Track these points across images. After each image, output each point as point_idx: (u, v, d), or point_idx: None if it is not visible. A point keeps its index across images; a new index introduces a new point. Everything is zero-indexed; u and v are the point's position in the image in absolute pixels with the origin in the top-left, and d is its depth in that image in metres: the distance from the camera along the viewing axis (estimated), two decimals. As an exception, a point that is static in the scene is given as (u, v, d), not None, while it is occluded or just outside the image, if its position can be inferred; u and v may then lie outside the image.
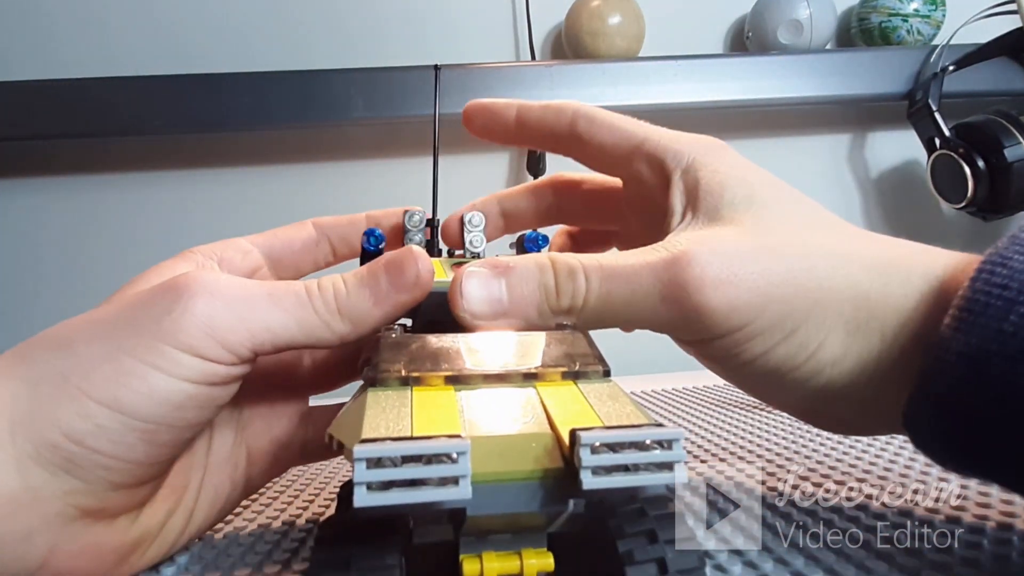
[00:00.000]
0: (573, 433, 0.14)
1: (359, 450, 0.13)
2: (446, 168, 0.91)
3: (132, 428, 0.18)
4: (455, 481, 0.13)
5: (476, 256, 0.25)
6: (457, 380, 0.17)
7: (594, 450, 0.14)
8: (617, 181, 0.27)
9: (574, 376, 0.18)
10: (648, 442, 0.14)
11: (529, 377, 0.18)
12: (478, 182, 0.80)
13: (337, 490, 0.20)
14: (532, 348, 0.19)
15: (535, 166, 0.75)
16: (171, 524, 0.22)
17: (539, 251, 0.25)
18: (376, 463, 0.13)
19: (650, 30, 0.75)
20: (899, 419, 0.20)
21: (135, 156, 0.76)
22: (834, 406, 0.22)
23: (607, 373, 0.18)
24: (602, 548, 0.16)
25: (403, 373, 0.17)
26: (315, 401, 0.27)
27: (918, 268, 0.20)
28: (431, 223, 0.26)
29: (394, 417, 0.15)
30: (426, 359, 0.18)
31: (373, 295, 0.20)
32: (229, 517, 0.28)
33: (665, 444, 0.14)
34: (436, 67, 0.28)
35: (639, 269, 0.20)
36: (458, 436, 0.14)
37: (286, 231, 0.27)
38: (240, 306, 0.19)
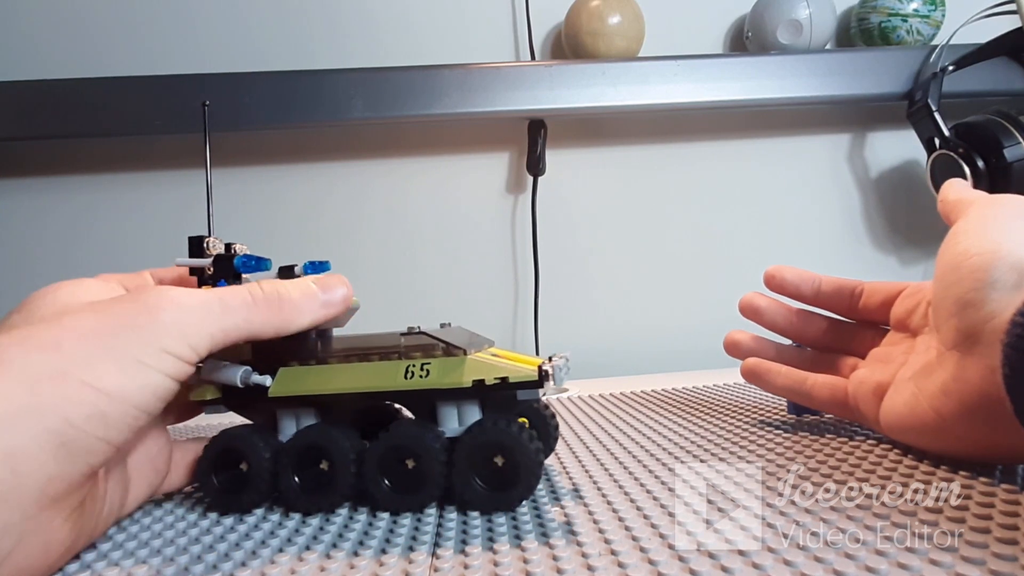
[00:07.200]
0: (539, 367, 0.27)
1: (554, 364, 0.27)
2: (446, 168, 0.91)
3: (126, 414, 0.21)
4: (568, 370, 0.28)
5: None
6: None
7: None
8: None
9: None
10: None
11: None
12: (478, 181, 0.80)
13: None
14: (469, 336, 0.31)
15: (535, 166, 0.75)
16: (90, 526, 0.24)
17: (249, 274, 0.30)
18: (549, 370, 0.26)
19: (650, 30, 0.75)
20: None
21: (133, 156, 0.76)
22: None
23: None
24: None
25: (468, 350, 0.28)
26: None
27: None
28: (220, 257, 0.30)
29: (499, 361, 0.28)
30: (463, 344, 0.28)
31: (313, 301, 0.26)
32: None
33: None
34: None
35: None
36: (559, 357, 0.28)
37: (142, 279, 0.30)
38: (199, 312, 0.23)
